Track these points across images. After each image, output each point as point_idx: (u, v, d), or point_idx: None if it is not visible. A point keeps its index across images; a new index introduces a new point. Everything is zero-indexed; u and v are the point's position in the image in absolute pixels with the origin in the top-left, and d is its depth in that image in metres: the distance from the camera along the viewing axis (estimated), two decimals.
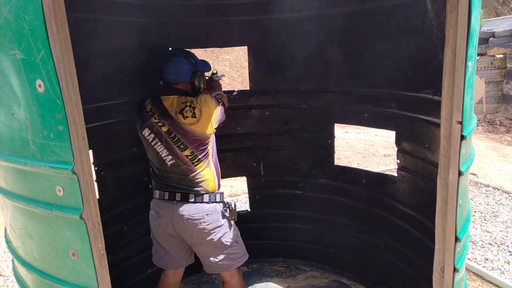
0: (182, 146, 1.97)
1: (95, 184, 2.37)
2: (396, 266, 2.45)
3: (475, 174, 5.13)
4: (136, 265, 2.64)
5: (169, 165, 1.99)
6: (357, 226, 2.73)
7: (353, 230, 2.76)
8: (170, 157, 1.98)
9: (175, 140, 1.97)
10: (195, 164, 2.00)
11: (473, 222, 3.84)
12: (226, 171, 2.95)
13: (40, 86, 0.96)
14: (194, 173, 2.01)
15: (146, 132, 2.00)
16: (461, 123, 1.27)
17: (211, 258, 2.06)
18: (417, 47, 2.14)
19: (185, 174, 2.00)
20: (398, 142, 2.40)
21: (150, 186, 2.35)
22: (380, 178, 2.58)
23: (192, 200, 1.99)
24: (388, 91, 2.40)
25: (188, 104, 1.97)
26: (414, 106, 2.21)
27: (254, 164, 3.01)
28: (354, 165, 5.63)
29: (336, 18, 2.57)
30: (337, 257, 2.88)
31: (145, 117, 2.00)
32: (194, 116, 1.96)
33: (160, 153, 1.99)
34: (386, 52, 2.35)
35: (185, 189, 2.01)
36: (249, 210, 3.07)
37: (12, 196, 1.15)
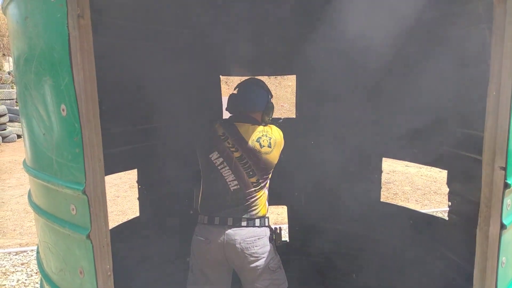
0: (251, 173, 1.98)
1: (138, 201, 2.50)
2: None
3: None
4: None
5: (231, 190, 1.97)
6: (400, 269, 2.51)
7: (396, 273, 2.54)
8: (235, 182, 1.97)
9: (246, 166, 1.98)
10: (257, 190, 2.01)
11: None
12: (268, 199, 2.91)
13: (63, 110, 1.03)
14: (254, 199, 2.00)
15: (214, 155, 1.98)
16: (505, 169, 1.13)
17: (257, 284, 1.99)
18: (471, 81, 1.97)
19: (244, 199, 1.98)
20: (449, 182, 2.20)
21: (191, 212, 2.36)
22: (429, 220, 2.38)
23: (245, 224, 1.96)
24: (439, 126, 2.23)
25: (264, 134, 2.03)
26: (467, 145, 2.02)
27: (296, 194, 2.94)
28: (412, 202, 5.26)
29: (388, 49, 2.47)
30: None
31: (217, 140, 1.99)
32: (269, 146, 2.03)
33: (226, 178, 1.96)
34: (439, 86, 2.19)
35: (239, 213, 1.97)
36: (288, 241, 2.98)
37: (38, 210, 1.23)
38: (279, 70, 2.99)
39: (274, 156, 2.04)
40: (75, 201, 1.04)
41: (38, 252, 1.46)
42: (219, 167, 1.96)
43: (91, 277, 1.04)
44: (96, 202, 1.05)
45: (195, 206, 2.10)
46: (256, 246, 1.94)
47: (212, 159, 1.97)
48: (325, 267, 2.90)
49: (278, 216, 5.02)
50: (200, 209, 2.03)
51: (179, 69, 2.62)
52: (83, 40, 1.02)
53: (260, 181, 2.00)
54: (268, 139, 2.02)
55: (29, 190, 1.45)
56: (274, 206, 5.33)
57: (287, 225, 3.01)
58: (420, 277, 2.38)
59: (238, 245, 1.91)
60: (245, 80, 2.18)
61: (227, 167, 1.96)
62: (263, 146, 2.01)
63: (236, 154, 1.96)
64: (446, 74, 2.14)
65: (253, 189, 1.98)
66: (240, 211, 1.97)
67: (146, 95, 2.45)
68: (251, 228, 1.96)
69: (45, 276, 1.27)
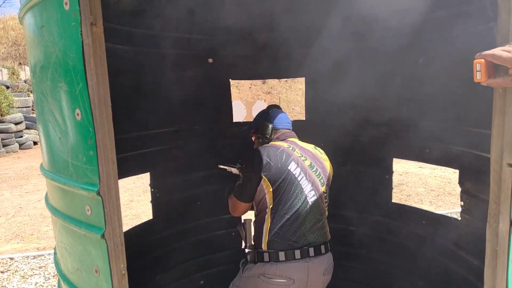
0: (321, 181, 1.95)
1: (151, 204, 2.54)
2: None
3: None
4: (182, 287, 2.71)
5: (310, 203, 1.86)
6: (412, 269, 2.50)
7: (407, 274, 2.53)
8: (313, 192, 1.89)
9: (317, 174, 1.95)
10: (326, 204, 1.97)
11: None
12: None
13: (78, 114, 1.08)
14: (325, 216, 1.96)
15: (292, 166, 1.85)
16: None
17: None
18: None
19: (320, 214, 1.92)
20: (461, 182, 2.18)
21: (243, 248, 2.11)
22: (442, 221, 2.36)
23: (324, 251, 1.87)
24: (452, 125, 2.22)
25: (313, 145, 2.13)
26: (480, 144, 2.01)
27: None
28: (426, 203, 5.20)
29: (397, 49, 2.47)
30: None
31: (288, 151, 1.90)
32: (325, 154, 2.12)
33: (305, 189, 1.86)
34: (451, 84, 2.19)
35: (317, 238, 1.88)
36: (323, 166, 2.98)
37: (55, 212, 1.28)
38: (288, 73, 3.01)
39: (330, 165, 2.09)
40: (90, 202, 1.08)
41: (55, 253, 1.51)
42: (298, 178, 1.85)
43: (106, 276, 1.08)
44: (110, 203, 1.08)
45: (248, 243, 1.94)
46: (331, 272, 1.92)
47: (292, 170, 1.84)
48: (335, 269, 2.89)
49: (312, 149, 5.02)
50: (269, 245, 1.79)
51: (190, 73, 2.67)
52: (96, 46, 1.06)
53: (327, 193, 1.98)
54: (320, 150, 2.12)
55: (46, 193, 1.50)
56: None
57: None
58: (432, 277, 2.37)
59: (322, 277, 1.85)
60: (269, 105, 2.23)
61: (305, 177, 1.88)
62: (322, 153, 2.10)
63: (307, 162, 1.94)
64: (455, 72, 2.14)
65: (325, 201, 1.95)
66: (318, 235, 1.88)
67: (158, 99, 2.51)
68: (328, 253, 1.91)
69: (62, 275, 1.31)
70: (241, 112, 12.36)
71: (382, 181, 2.69)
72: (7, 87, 14.34)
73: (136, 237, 2.22)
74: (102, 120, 1.06)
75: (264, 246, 1.78)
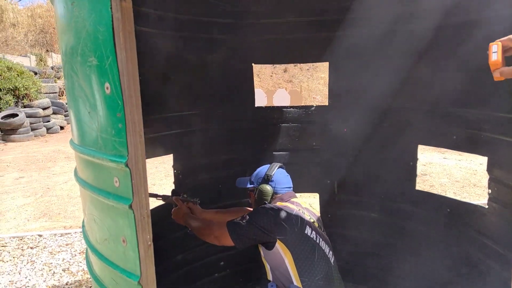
0: (327, 238, 1.93)
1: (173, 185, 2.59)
2: None
3: None
4: (202, 267, 2.76)
5: (332, 263, 1.84)
6: (435, 259, 2.46)
7: (431, 263, 2.49)
8: (331, 252, 1.87)
9: (324, 234, 1.93)
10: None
11: None
12: (299, 187, 2.93)
13: (107, 88, 1.10)
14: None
15: (308, 230, 1.79)
16: None
17: None
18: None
19: (338, 271, 1.88)
20: (490, 169, 2.12)
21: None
22: (467, 209, 2.30)
23: None
24: (481, 111, 2.16)
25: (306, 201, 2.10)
26: (509, 129, 1.94)
27: (328, 182, 2.93)
28: (450, 194, 5.09)
29: (422, 32, 2.40)
30: None
31: (301, 215, 1.83)
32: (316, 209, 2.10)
33: (324, 250, 1.82)
34: (479, 68, 2.11)
35: None
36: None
37: (84, 184, 1.32)
38: (312, 58, 2.97)
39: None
40: (118, 173, 1.11)
41: (83, 226, 1.56)
42: (317, 241, 1.80)
43: (133, 246, 1.11)
44: (138, 175, 1.11)
45: None
46: None
47: (309, 234, 1.78)
48: (357, 255, 2.88)
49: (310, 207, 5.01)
50: None
51: (214, 57, 2.67)
52: (125, 21, 1.07)
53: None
54: (312, 206, 2.12)
55: (75, 168, 1.54)
56: (306, 195, 5.32)
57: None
58: (456, 265, 2.33)
59: None
60: (273, 164, 2.16)
61: (320, 238, 1.83)
62: (315, 209, 2.09)
63: (315, 224, 1.90)
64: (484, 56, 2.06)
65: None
66: None
67: (181, 82, 2.53)
68: None
69: (90, 246, 1.36)
70: (262, 101, 12.34)
71: (405, 167, 2.65)
72: (35, 73, 14.77)
73: (158, 217, 2.26)
74: (130, 94, 1.08)
75: None
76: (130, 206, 1.08)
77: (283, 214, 1.77)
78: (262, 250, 1.79)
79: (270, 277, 1.77)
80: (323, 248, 1.78)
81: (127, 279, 1.14)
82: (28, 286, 3.34)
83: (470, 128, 2.22)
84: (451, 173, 6.16)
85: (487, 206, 2.15)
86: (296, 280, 1.68)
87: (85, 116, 1.26)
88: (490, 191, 2.13)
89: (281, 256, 1.71)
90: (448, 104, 2.32)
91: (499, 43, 0.98)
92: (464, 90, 2.20)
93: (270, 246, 1.73)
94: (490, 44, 1.01)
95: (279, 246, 1.71)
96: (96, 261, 1.35)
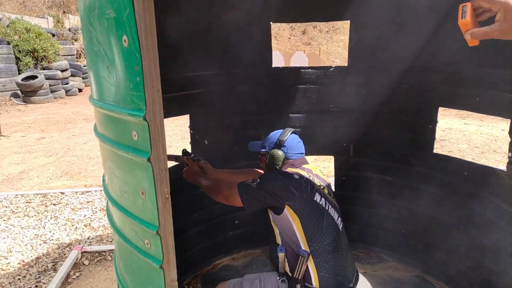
0: (336, 205, 1.92)
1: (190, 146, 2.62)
2: (488, 270, 2.17)
3: None
4: (218, 226, 2.84)
5: (340, 229, 1.83)
6: (450, 221, 2.48)
7: (445, 225, 2.51)
8: (340, 219, 1.85)
9: (333, 198, 1.92)
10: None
11: None
12: (314, 149, 2.93)
13: (125, 41, 1.09)
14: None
15: (317, 197, 1.77)
16: None
17: None
18: None
19: (347, 238, 1.88)
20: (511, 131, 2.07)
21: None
22: (485, 172, 2.28)
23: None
24: (507, 71, 2.08)
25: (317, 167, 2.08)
26: None
27: (344, 144, 2.92)
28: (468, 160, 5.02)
29: None
30: (424, 252, 2.67)
31: (311, 182, 1.81)
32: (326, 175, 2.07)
33: (333, 216, 1.80)
34: None
35: (353, 269, 1.83)
36: (333, 190, 3.01)
37: (103, 139, 1.35)
38: (333, 16, 2.86)
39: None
40: (136, 127, 1.12)
41: (103, 180, 1.61)
42: (326, 208, 1.78)
43: (152, 197, 1.14)
44: (156, 129, 1.12)
45: (281, 271, 1.80)
46: None
47: (318, 201, 1.76)
48: (371, 218, 2.91)
49: (325, 169, 5.03)
50: (321, 283, 1.69)
51: (231, 16, 2.61)
52: None
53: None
54: (322, 171, 2.07)
55: (95, 124, 1.57)
56: (321, 159, 5.33)
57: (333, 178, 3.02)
58: (470, 228, 2.34)
59: None
60: (286, 129, 2.08)
61: (330, 205, 1.82)
62: (325, 175, 2.05)
63: (325, 190, 1.89)
64: None
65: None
66: (352, 263, 1.84)
67: (199, 42, 2.50)
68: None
69: (111, 198, 1.41)
70: (279, 63, 12.13)
71: (424, 130, 2.61)
72: (53, 35, 14.78)
73: (174, 175, 2.31)
74: (148, 47, 1.07)
75: (315, 283, 1.69)
76: (149, 159, 1.10)
77: (293, 180, 1.77)
78: (271, 215, 1.81)
79: (279, 240, 1.80)
80: (332, 214, 1.79)
81: (146, 229, 1.19)
82: (52, 240, 3.52)
83: (494, 90, 2.15)
84: (471, 139, 6.04)
85: (506, 169, 2.12)
86: (304, 245, 1.71)
87: (103, 71, 1.26)
88: (510, 154, 2.09)
89: (290, 222, 1.73)
90: (472, 65, 2.24)
91: (469, 3, 0.93)
92: (489, 50, 2.11)
93: (278, 211, 1.74)
94: (460, 5, 0.95)
95: (288, 211, 1.72)
96: (117, 212, 1.40)
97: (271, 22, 2.78)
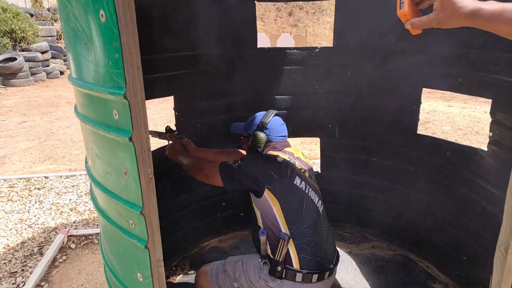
0: (318, 188, 1.91)
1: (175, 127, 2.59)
2: (469, 247, 2.24)
3: None
4: (205, 208, 2.85)
5: (321, 212, 1.83)
6: (432, 200, 2.53)
7: (427, 204, 2.56)
8: (320, 201, 1.86)
9: (315, 183, 1.92)
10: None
11: None
12: (300, 131, 2.93)
13: (102, 16, 1.05)
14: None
15: (297, 180, 1.77)
16: None
17: None
18: None
19: (327, 221, 1.88)
20: (493, 112, 2.10)
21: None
22: (467, 152, 2.32)
23: (336, 267, 1.83)
24: (490, 52, 2.09)
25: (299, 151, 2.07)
26: None
27: (330, 126, 2.93)
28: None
29: None
30: (406, 231, 2.73)
31: (291, 165, 1.81)
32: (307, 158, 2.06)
33: (313, 199, 1.81)
34: None
35: (333, 251, 1.84)
36: (319, 172, 3.03)
37: (84, 119, 1.32)
38: None
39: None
40: (117, 106, 1.10)
41: (86, 162, 1.58)
42: (306, 191, 1.79)
43: (135, 177, 1.13)
44: (137, 107, 1.09)
45: (263, 254, 1.79)
46: None
47: (298, 184, 1.77)
48: (356, 199, 2.95)
49: (311, 152, 5.06)
50: (301, 264, 1.70)
51: None
52: None
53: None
54: (304, 155, 2.06)
55: (75, 105, 1.53)
56: (308, 141, 5.36)
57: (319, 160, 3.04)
58: (451, 207, 2.40)
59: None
60: (269, 111, 2.05)
61: (310, 188, 1.82)
62: (306, 158, 2.04)
63: (306, 174, 1.88)
64: None
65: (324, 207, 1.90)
66: (332, 245, 1.84)
67: (181, 22, 2.44)
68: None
69: (94, 180, 1.39)
70: (265, 45, 12.01)
71: (408, 111, 2.63)
72: (31, 15, 14.29)
73: (161, 158, 2.29)
74: (126, 22, 1.04)
75: (296, 265, 1.69)
76: (130, 139, 1.08)
77: (273, 163, 1.77)
78: (252, 197, 1.82)
79: (260, 223, 1.81)
80: (312, 197, 1.80)
81: (130, 209, 1.18)
82: (37, 224, 3.48)
83: (477, 70, 2.17)
84: (454, 121, 6.14)
85: (486, 149, 2.16)
86: (284, 228, 1.72)
87: (81, 49, 1.22)
88: (491, 134, 2.13)
89: (270, 205, 1.73)
90: (455, 46, 2.24)
91: None
92: (472, 30, 2.12)
93: (258, 194, 1.75)
94: None
95: (267, 194, 1.72)
96: (100, 194, 1.38)
97: (255, 1, 2.73)
